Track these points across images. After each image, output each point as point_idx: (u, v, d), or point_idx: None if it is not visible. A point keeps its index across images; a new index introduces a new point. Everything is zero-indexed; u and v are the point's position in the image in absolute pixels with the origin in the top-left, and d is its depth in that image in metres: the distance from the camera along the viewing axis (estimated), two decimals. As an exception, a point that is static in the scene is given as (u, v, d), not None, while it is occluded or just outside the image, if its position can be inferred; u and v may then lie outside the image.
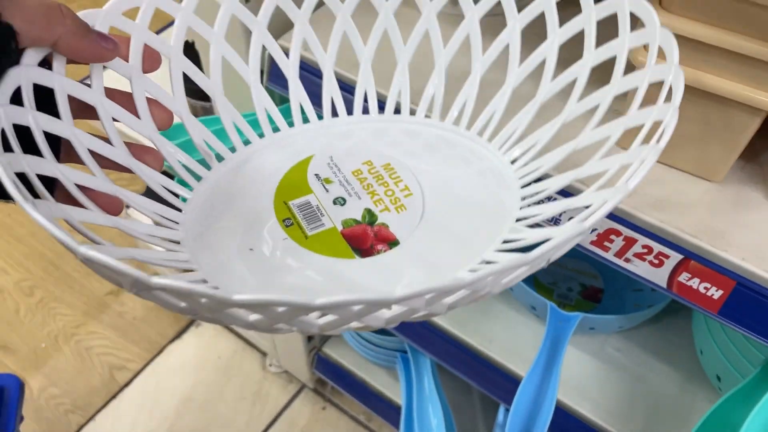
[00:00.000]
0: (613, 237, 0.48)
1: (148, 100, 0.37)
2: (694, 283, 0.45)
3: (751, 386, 0.50)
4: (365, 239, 0.38)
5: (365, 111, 0.46)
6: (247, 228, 0.39)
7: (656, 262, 0.46)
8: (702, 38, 0.40)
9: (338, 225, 0.39)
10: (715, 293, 0.45)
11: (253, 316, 0.26)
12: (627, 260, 0.48)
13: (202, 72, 0.41)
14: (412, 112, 0.47)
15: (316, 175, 0.42)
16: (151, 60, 0.37)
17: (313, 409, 1.16)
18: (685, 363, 0.70)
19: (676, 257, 0.45)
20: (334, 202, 0.40)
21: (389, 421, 1.03)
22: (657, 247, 0.46)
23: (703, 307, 0.46)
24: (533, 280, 0.77)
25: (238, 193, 0.41)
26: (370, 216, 0.40)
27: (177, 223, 0.38)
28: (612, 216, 0.47)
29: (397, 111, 0.47)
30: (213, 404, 1.17)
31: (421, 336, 0.76)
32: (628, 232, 0.47)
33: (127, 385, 1.20)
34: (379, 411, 1.03)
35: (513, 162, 0.42)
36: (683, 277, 0.46)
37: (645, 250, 0.46)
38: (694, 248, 0.45)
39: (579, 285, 0.77)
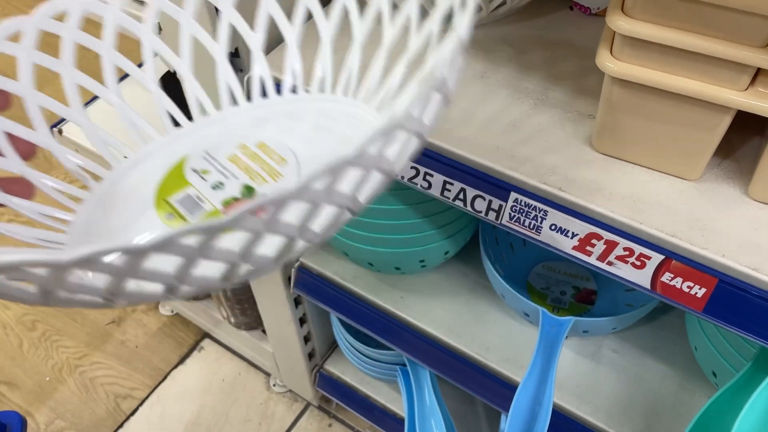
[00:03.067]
0: (594, 241, 0.48)
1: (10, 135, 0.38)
2: (677, 282, 0.46)
3: (744, 380, 0.50)
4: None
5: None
6: (130, 227, 0.39)
7: (638, 263, 0.47)
8: (665, 41, 0.40)
9: (219, 206, 0.39)
10: (699, 291, 0.45)
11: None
12: (610, 263, 0.48)
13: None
14: (294, 90, 0.45)
15: (193, 169, 0.42)
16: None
17: (320, 426, 1.16)
18: (682, 360, 0.70)
19: (657, 258, 0.46)
20: (213, 188, 0.41)
21: (395, 434, 1.03)
22: (638, 248, 0.46)
23: (687, 306, 0.46)
24: (526, 286, 0.77)
25: (122, 198, 0.42)
26: (248, 191, 0.40)
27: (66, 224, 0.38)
28: (591, 219, 0.47)
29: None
30: (219, 427, 1.17)
31: (417, 348, 0.76)
32: (608, 235, 0.47)
33: (132, 413, 1.20)
34: (384, 425, 1.03)
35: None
36: (666, 277, 0.46)
37: (626, 253, 0.47)
38: (674, 248, 0.45)
39: (572, 288, 0.77)
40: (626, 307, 0.73)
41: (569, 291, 0.77)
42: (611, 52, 0.43)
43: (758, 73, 0.40)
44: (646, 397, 0.68)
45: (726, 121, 0.43)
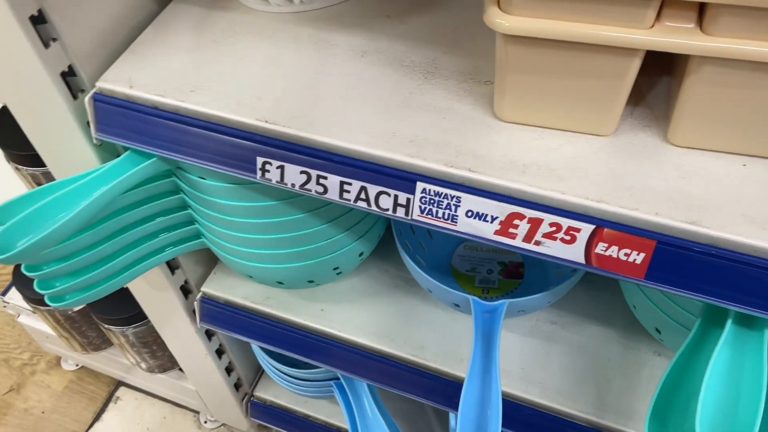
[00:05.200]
0: (516, 222, 0.43)
1: None
2: (613, 251, 0.41)
3: (697, 338, 0.46)
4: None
5: None
6: None
7: (568, 238, 0.42)
8: (557, -15, 0.35)
9: None
10: (637, 258, 0.41)
11: None
12: (538, 243, 0.43)
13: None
14: None
15: None
16: None
17: (263, 455, 1.08)
18: (621, 319, 0.67)
19: (587, 228, 0.41)
20: None
21: (344, 447, 0.96)
22: (565, 222, 0.41)
23: (628, 275, 0.41)
24: (451, 271, 0.72)
25: None
26: None
27: None
28: (509, 198, 0.42)
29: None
30: (154, 480, 1.06)
31: (348, 361, 0.70)
32: (530, 212, 0.42)
33: (52, 487, 1.07)
34: (330, 441, 0.96)
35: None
36: (600, 248, 0.41)
37: (553, 229, 0.42)
38: (603, 214, 0.40)
39: (498, 265, 0.73)
40: (556, 275, 0.69)
41: (496, 268, 0.72)
42: (499, 7, 0.38)
43: (663, 5, 0.36)
44: (592, 365, 0.65)
45: (635, 65, 0.39)
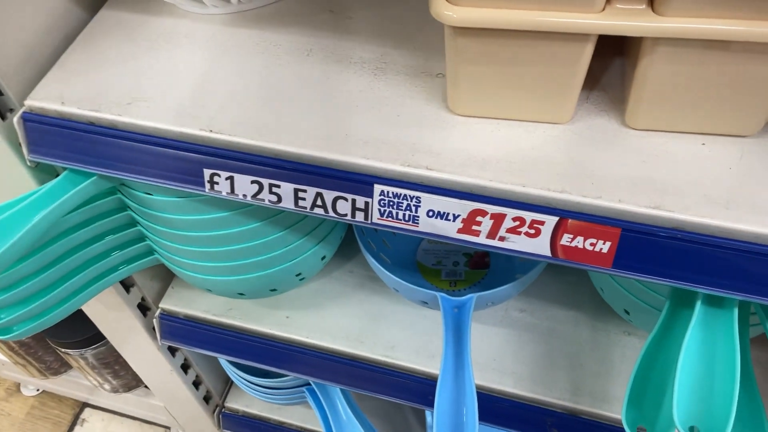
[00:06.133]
0: (479, 218, 0.41)
1: None
2: (579, 242, 0.40)
3: (667, 319, 0.46)
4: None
5: None
6: None
7: (532, 232, 0.41)
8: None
9: None
10: (604, 247, 0.40)
11: None
12: (502, 239, 0.42)
13: None
14: None
15: None
16: None
17: (240, 465, 1.05)
18: (589, 302, 0.67)
19: (551, 221, 0.40)
20: None
21: (321, 451, 0.95)
22: (528, 215, 0.40)
23: (595, 265, 0.41)
24: (417, 267, 0.71)
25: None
26: None
27: None
28: (470, 195, 0.41)
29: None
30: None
31: (318, 368, 0.68)
32: (492, 208, 0.41)
33: None
34: (307, 445, 0.94)
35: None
36: (565, 240, 0.40)
37: (517, 223, 0.41)
38: (566, 205, 0.39)
39: (464, 256, 0.72)
40: (522, 262, 0.68)
41: (462, 260, 0.71)
42: (446, -2, 0.36)
43: (613, -12, 0.35)
44: (564, 350, 0.65)
45: (588, 51, 0.38)
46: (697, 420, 0.39)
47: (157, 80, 0.47)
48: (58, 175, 0.50)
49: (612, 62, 0.46)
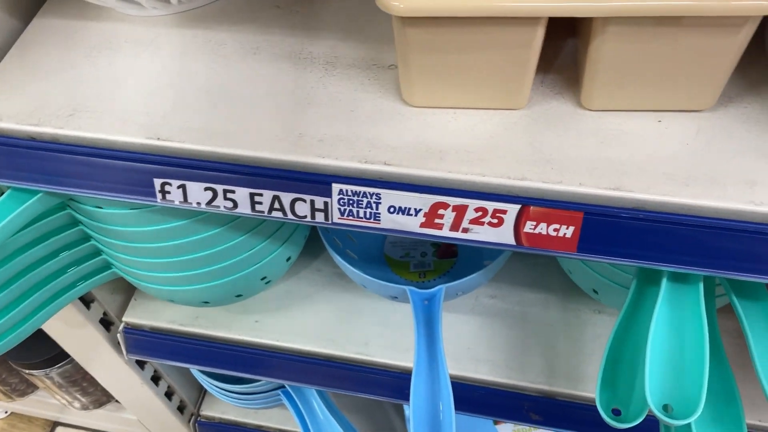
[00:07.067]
0: (441, 211, 0.41)
1: None
2: (542, 229, 0.40)
3: (635, 298, 0.46)
4: None
5: None
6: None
7: (495, 221, 0.40)
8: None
9: None
10: (567, 232, 0.39)
11: None
12: (465, 230, 0.41)
13: None
14: None
15: None
16: None
17: (221, 472, 1.04)
18: (559, 283, 0.67)
19: (513, 209, 0.39)
20: None
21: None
22: (490, 205, 0.40)
23: (560, 250, 0.40)
24: (385, 260, 0.70)
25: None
26: None
27: None
28: (430, 189, 0.40)
29: None
30: None
31: (291, 371, 0.67)
32: (454, 200, 0.40)
33: None
34: (288, 447, 0.93)
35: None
36: (529, 227, 0.40)
37: (480, 214, 0.40)
38: (528, 192, 0.39)
39: (431, 246, 0.71)
40: (489, 250, 0.68)
41: (429, 250, 0.71)
42: (391, -12, 0.35)
43: (560, -31, 0.34)
44: (537, 333, 0.65)
45: (539, 34, 0.37)
46: (669, 397, 0.39)
47: (99, 89, 0.45)
48: (1, 194, 0.48)
49: (565, 44, 0.45)
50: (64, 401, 0.91)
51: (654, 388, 0.39)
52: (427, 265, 0.70)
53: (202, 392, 0.93)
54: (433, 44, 0.38)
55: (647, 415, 0.41)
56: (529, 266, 0.69)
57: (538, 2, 0.34)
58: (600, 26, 0.36)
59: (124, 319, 0.69)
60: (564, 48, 0.45)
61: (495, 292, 0.68)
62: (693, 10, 0.34)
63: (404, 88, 0.42)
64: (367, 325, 0.67)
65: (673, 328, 0.42)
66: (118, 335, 0.69)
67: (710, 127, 0.40)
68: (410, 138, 0.41)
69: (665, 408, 0.39)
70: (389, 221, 0.42)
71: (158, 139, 0.42)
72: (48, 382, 0.83)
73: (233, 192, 0.43)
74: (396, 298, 0.61)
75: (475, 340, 0.65)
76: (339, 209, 0.42)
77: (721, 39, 0.36)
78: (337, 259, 0.61)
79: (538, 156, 0.40)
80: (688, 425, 0.42)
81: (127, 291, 0.70)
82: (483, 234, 0.41)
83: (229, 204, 0.43)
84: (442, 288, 0.58)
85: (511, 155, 0.40)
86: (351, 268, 0.59)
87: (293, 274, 0.70)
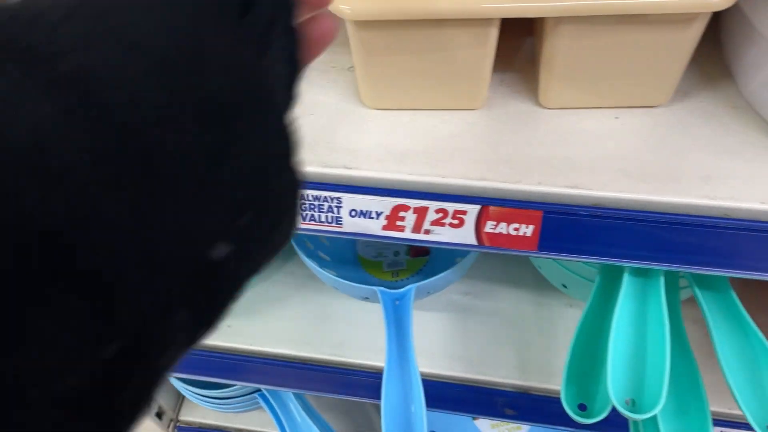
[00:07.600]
0: (402, 213, 0.40)
1: None
2: (503, 228, 0.40)
3: (600, 293, 0.47)
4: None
5: None
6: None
7: (456, 222, 0.40)
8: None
9: None
10: (527, 230, 0.39)
11: None
12: (427, 232, 0.41)
13: None
14: None
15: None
16: None
17: (204, 476, 1.03)
18: (531, 278, 0.67)
19: (473, 209, 0.39)
20: None
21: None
22: (450, 206, 0.40)
23: (521, 249, 0.40)
24: (358, 260, 0.70)
25: None
26: None
27: None
28: (391, 191, 0.40)
29: None
30: None
31: (266, 374, 0.67)
32: (415, 202, 0.40)
33: None
34: (269, 449, 0.93)
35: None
36: (489, 227, 0.40)
37: (440, 215, 0.40)
38: (487, 192, 0.39)
39: (403, 245, 0.71)
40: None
41: (402, 249, 0.71)
42: (342, -8, 0.35)
43: (509, -30, 0.34)
44: (510, 328, 0.65)
45: (493, 34, 0.37)
46: (632, 391, 0.40)
47: None
48: None
49: (523, 42, 0.45)
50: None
51: (616, 382, 0.40)
52: (400, 264, 0.70)
53: (180, 398, 0.93)
54: (387, 47, 0.38)
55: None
56: (502, 262, 0.69)
57: (486, 3, 0.34)
58: (552, 25, 0.36)
59: (95, 328, 0.68)
60: (522, 46, 0.45)
61: (468, 289, 0.68)
62: (642, 8, 0.34)
63: (362, 90, 0.42)
64: (341, 327, 0.67)
65: (636, 323, 0.42)
66: (91, 345, 0.68)
67: (666, 122, 0.41)
68: (370, 141, 0.41)
69: (629, 402, 0.40)
70: (351, 225, 0.42)
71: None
72: None
73: (194, 200, 0.42)
74: (367, 298, 0.61)
75: (449, 337, 0.65)
76: (302, 214, 0.42)
77: (672, 34, 0.36)
78: (307, 261, 0.60)
79: (497, 156, 0.40)
80: (653, 417, 0.42)
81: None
82: (445, 235, 0.41)
83: (190, 212, 0.43)
84: (412, 288, 0.58)
85: (470, 156, 0.40)
86: (321, 270, 0.59)
87: (266, 277, 0.70)
